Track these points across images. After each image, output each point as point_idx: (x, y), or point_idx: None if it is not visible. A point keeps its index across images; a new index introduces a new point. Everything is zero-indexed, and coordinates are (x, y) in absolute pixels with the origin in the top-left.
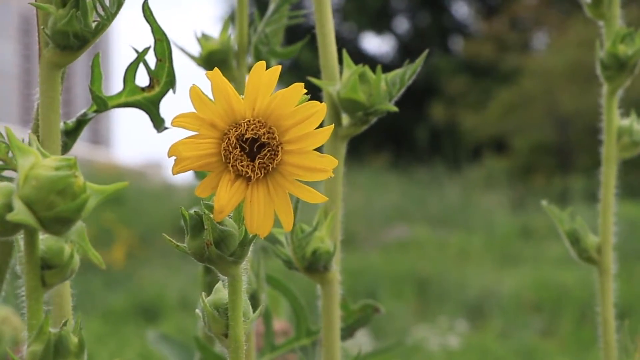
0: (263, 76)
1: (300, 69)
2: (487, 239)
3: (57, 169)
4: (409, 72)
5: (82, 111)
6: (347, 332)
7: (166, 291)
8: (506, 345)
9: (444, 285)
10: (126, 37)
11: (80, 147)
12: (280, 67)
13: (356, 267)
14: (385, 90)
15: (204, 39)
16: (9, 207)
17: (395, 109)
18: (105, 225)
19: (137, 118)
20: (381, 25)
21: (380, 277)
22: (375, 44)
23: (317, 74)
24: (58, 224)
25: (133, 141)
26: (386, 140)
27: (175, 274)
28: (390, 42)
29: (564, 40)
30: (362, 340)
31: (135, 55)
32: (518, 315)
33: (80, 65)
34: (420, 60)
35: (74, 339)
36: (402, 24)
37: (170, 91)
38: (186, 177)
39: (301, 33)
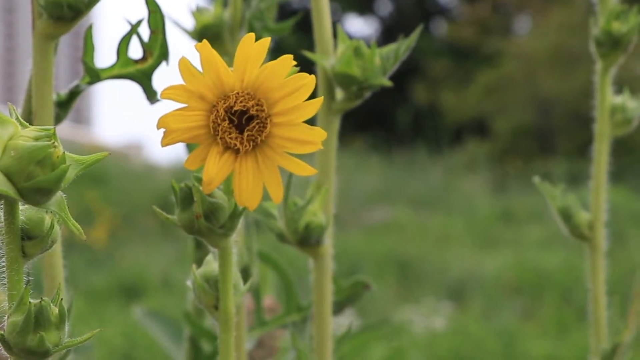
0: (252, 48)
1: (284, 52)
2: (468, 222)
3: (36, 139)
4: (403, 47)
5: (75, 82)
6: (337, 308)
7: (148, 270)
8: (487, 328)
9: (425, 267)
10: (110, 11)
11: (62, 126)
12: (269, 39)
13: (338, 249)
14: (380, 65)
15: (198, 12)
16: None
17: (389, 83)
18: (87, 205)
19: (118, 97)
20: (364, 6)
21: (362, 258)
22: (358, 25)
23: (300, 56)
24: (38, 194)
25: (114, 120)
26: (367, 121)
27: (157, 254)
28: (373, 24)
29: (546, 24)
30: (346, 320)
31: (128, 27)
32: (499, 297)
33: (62, 40)
34: (415, 35)
35: (55, 310)
36: (385, 6)
37: (164, 64)
38: (168, 157)
39: (287, 14)
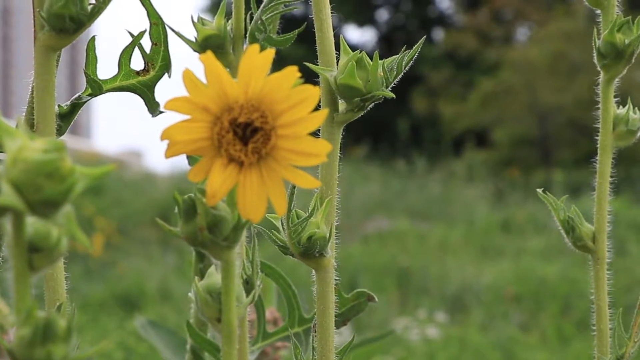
0: (256, 59)
1: (285, 63)
2: (467, 232)
3: (45, 151)
4: (406, 58)
5: (77, 94)
6: (341, 320)
7: (145, 281)
8: (486, 338)
9: (425, 277)
10: (109, 23)
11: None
12: (274, 50)
13: (337, 260)
14: (382, 77)
15: (200, 23)
16: None
17: (391, 95)
18: (85, 215)
19: (116, 109)
20: (364, 15)
21: (361, 269)
22: (355, 33)
23: (302, 67)
24: (46, 207)
25: (113, 133)
26: (367, 131)
27: (155, 264)
28: (372, 33)
29: (545, 33)
30: (344, 333)
31: (129, 38)
32: (498, 308)
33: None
34: (417, 47)
35: (62, 323)
36: (384, 15)
37: (166, 75)
38: (167, 165)
39: (286, 21)
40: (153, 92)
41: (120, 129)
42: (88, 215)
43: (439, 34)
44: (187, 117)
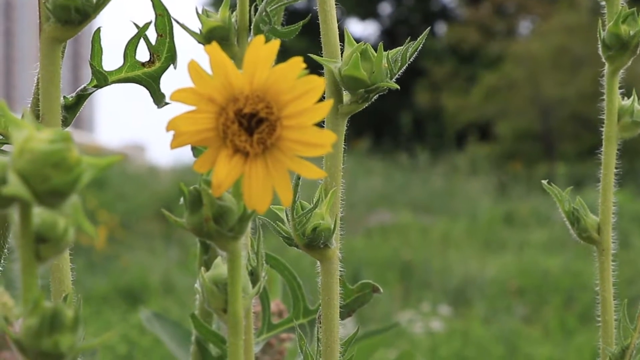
0: (261, 50)
1: (290, 55)
2: (470, 225)
3: (52, 142)
4: (410, 49)
5: (82, 85)
6: (346, 311)
7: (148, 275)
8: (489, 331)
9: (427, 271)
10: (113, 14)
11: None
12: (279, 42)
13: (340, 251)
14: (386, 68)
15: (204, 15)
16: (4, 181)
17: (396, 86)
18: (88, 208)
19: (119, 103)
20: (366, 9)
21: (363, 262)
22: (359, 28)
23: (307, 59)
24: (53, 197)
25: (115, 127)
26: (370, 125)
27: (158, 258)
28: (374, 27)
29: (548, 26)
30: (347, 325)
31: (134, 29)
32: (501, 301)
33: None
34: (422, 39)
35: (69, 314)
36: (386, 8)
37: (172, 67)
38: (170, 158)
39: (289, 13)
40: (158, 83)
41: (123, 122)
42: (91, 209)
43: (441, 27)
44: (192, 108)
